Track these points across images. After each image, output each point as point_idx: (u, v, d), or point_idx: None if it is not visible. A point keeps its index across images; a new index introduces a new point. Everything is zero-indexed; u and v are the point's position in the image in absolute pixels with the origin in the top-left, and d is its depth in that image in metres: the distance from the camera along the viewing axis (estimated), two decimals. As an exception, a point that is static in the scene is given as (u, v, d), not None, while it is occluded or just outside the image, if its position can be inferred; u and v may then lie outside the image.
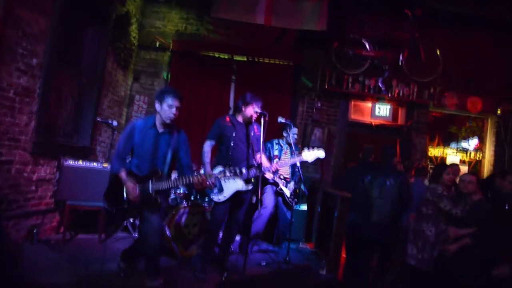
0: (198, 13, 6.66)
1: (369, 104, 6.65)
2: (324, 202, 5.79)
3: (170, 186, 3.29)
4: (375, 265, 4.33)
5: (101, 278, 3.53)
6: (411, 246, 4.12)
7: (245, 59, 6.62)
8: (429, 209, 4.07)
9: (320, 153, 4.43)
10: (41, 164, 4.42)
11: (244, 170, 3.90)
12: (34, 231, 4.28)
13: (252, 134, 4.16)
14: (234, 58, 6.63)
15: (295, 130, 5.26)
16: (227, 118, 4.18)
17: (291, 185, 5.24)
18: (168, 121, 3.31)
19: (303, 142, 6.42)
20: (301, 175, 4.65)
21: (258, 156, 4.13)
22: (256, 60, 6.62)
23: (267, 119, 3.90)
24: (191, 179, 3.22)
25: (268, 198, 5.06)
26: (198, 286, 3.71)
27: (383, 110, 6.57)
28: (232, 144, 4.05)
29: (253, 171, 4.05)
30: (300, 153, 4.53)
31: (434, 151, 6.87)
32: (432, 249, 3.96)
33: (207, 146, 4.10)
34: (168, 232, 4.38)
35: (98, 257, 3.88)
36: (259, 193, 3.85)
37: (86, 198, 4.54)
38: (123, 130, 3.51)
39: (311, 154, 4.40)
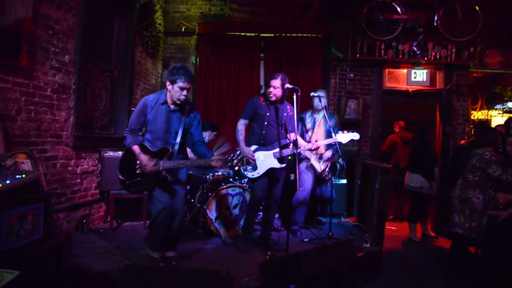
0: (221, -8, 6.58)
1: (404, 71, 6.37)
2: (363, 174, 5.73)
3: (181, 166, 3.33)
4: None
5: (147, 264, 3.61)
6: (458, 215, 3.97)
7: (272, 35, 6.48)
8: (476, 176, 3.89)
9: (355, 135, 4.36)
10: (83, 157, 4.59)
11: (277, 149, 4.00)
12: (84, 222, 4.47)
13: (285, 114, 4.16)
14: (261, 35, 6.52)
15: (319, 93, 4.89)
16: (262, 98, 4.20)
17: (327, 154, 4.90)
18: (178, 102, 3.32)
19: (338, 115, 6.28)
20: (339, 149, 4.54)
21: (292, 135, 4.15)
22: (283, 35, 6.47)
23: (299, 94, 3.82)
24: (202, 162, 3.27)
25: (305, 178, 4.91)
26: (244, 264, 3.75)
27: (420, 75, 6.27)
28: (265, 123, 4.10)
29: (286, 150, 4.07)
30: (335, 129, 4.54)
31: (477, 114, 6.52)
32: (481, 217, 3.81)
33: (241, 124, 4.14)
34: (209, 215, 4.48)
35: (144, 243, 4.05)
36: (297, 173, 3.80)
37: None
38: (136, 105, 3.52)
39: (345, 137, 4.34)
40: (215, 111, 6.52)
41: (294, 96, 3.86)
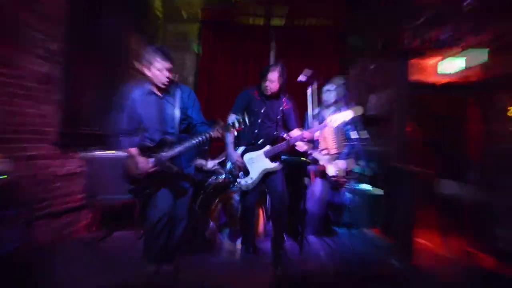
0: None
1: (433, 60, 5.68)
2: (390, 179, 5.00)
3: (182, 149, 2.96)
4: None
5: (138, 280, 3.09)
6: (504, 228, 3.32)
7: (283, 23, 5.92)
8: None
9: (348, 114, 3.57)
10: (69, 157, 4.11)
11: (268, 147, 3.61)
12: (66, 230, 3.95)
13: (280, 108, 3.72)
14: (271, 24, 5.95)
15: (329, 86, 4.32)
16: (256, 91, 3.69)
17: (341, 161, 4.28)
18: (163, 86, 3.01)
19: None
20: (359, 149, 4.02)
21: (294, 131, 3.72)
22: (295, 24, 5.93)
23: (316, 86, 3.53)
24: (204, 137, 2.90)
25: (314, 183, 4.35)
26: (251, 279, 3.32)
27: (450, 65, 5.54)
28: (259, 121, 3.63)
29: (278, 146, 3.62)
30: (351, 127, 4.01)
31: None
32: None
33: (230, 121, 3.54)
34: (212, 223, 4.06)
35: (135, 257, 3.41)
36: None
37: (117, 191, 4.08)
38: (121, 106, 3.16)
39: (336, 118, 3.59)
40: (219, 108, 5.96)
41: (309, 90, 3.55)
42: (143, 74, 2.99)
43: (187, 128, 3.20)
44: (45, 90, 3.65)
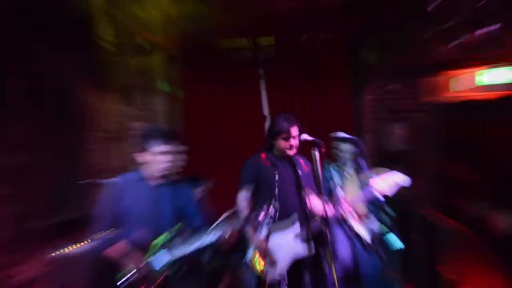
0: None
1: (473, 72, 4.54)
2: (424, 229, 4.40)
3: (185, 252, 2.62)
4: None
5: None
6: None
7: (273, 41, 4.88)
8: None
9: (398, 177, 3.22)
10: (24, 260, 3.46)
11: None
12: None
13: (299, 171, 3.24)
14: (257, 44, 4.92)
15: (343, 146, 3.83)
16: (263, 155, 3.27)
17: (371, 223, 3.76)
18: (160, 175, 2.73)
19: (379, 146, 4.73)
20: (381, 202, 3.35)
21: (309, 199, 3.20)
22: (289, 38, 4.84)
23: (323, 150, 2.93)
24: (216, 237, 2.58)
25: (340, 247, 3.67)
26: None
27: (497, 75, 4.44)
28: (276, 191, 3.12)
29: (314, 225, 3.15)
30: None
31: None
32: None
33: (243, 199, 3.21)
34: None
35: None
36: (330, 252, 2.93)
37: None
38: (101, 196, 2.78)
39: (383, 182, 3.20)
40: (201, 157, 5.06)
41: (317, 153, 2.91)
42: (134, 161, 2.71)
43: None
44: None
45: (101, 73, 4.47)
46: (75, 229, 3.92)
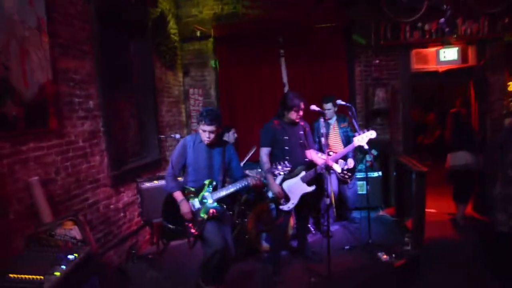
0: (231, -11, 6.33)
1: (432, 50, 6.05)
2: (398, 168, 5.66)
3: (228, 192, 3.41)
4: None
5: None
6: (501, 213, 3.92)
7: (289, 29, 6.24)
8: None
9: (372, 134, 4.23)
10: (122, 191, 4.76)
11: (303, 172, 4.05)
12: (133, 252, 4.73)
13: (301, 132, 4.14)
14: (278, 31, 6.29)
15: (328, 105, 5.03)
16: (275, 121, 4.12)
17: (348, 161, 4.96)
18: (205, 143, 3.44)
19: (366, 105, 6.15)
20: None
21: (308, 153, 4.17)
22: (301, 28, 6.23)
23: (327, 118, 4.42)
24: (248, 181, 3.37)
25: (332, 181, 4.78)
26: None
27: (450, 53, 5.96)
28: (287, 148, 4.04)
29: (311, 172, 4.08)
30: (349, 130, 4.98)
31: (517, 85, 6.11)
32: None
33: (264, 154, 4.04)
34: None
35: (193, 269, 4.09)
36: (330, 190, 4.00)
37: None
38: (175, 148, 3.63)
39: (363, 138, 4.22)
40: (240, 114, 6.51)
41: (321, 120, 4.33)
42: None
43: (225, 179, 3.60)
44: (91, 144, 4.20)
45: (168, 55, 5.89)
46: (155, 168, 5.43)
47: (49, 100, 3.52)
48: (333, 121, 5.14)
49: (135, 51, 5.36)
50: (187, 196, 3.48)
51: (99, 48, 4.30)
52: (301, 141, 4.12)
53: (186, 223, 3.45)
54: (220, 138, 3.55)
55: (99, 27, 4.27)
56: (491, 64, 5.81)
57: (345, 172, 4.95)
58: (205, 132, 3.36)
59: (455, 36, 5.68)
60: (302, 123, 4.17)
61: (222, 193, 3.41)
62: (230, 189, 3.41)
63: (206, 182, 3.46)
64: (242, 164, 5.26)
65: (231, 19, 6.30)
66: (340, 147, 5.03)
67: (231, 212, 3.79)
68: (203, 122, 3.32)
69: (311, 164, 4.18)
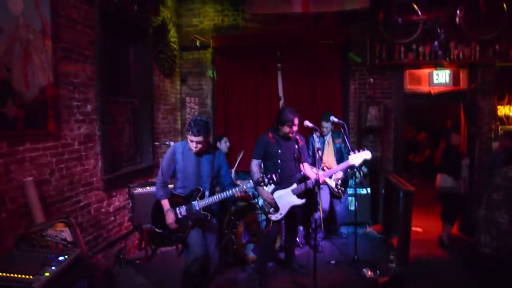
0: (232, 2, 6.46)
1: (426, 71, 6.20)
2: (387, 186, 5.77)
3: (215, 201, 3.45)
4: None
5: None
6: (484, 235, 4.01)
7: (288, 44, 6.38)
8: (500, 195, 3.89)
9: (367, 154, 4.35)
10: (114, 195, 4.80)
11: (294, 185, 4.13)
12: (121, 256, 4.75)
13: (296, 146, 4.20)
14: (276, 44, 6.43)
15: (324, 123, 5.14)
16: (270, 134, 4.21)
17: (338, 174, 4.95)
18: (193, 152, 3.49)
19: (359, 122, 6.26)
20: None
21: (302, 166, 4.25)
22: (299, 43, 6.37)
23: (319, 134, 4.40)
24: (233, 192, 3.41)
25: (321, 196, 4.83)
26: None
27: (442, 76, 6.11)
28: (279, 162, 4.13)
29: (302, 186, 4.14)
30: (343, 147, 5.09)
31: (505, 110, 6.29)
32: (508, 237, 3.84)
33: (255, 165, 4.15)
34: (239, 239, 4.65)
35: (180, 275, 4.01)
36: (320, 207, 4.04)
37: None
38: (165, 154, 3.70)
39: (357, 157, 4.35)
40: (235, 125, 6.60)
41: (315, 135, 4.49)
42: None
43: (215, 184, 3.69)
44: (87, 148, 4.25)
45: (167, 63, 5.96)
46: (148, 174, 5.44)
47: (48, 103, 3.59)
48: (328, 137, 5.26)
49: (134, 57, 5.45)
50: (175, 202, 3.52)
51: (101, 53, 4.37)
52: (295, 155, 4.19)
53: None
54: (210, 146, 3.63)
55: (101, 33, 4.36)
56: (482, 89, 5.96)
57: (339, 186, 5.00)
58: (193, 142, 3.42)
59: (448, 59, 5.82)
60: (298, 137, 4.22)
61: (208, 201, 3.45)
62: (216, 198, 3.45)
63: (194, 189, 3.51)
64: (233, 171, 5.50)
65: (231, 31, 6.44)
66: (334, 163, 5.16)
67: (218, 221, 3.83)
68: (190, 132, 3.37)
69: (304, 178, 4.25)
